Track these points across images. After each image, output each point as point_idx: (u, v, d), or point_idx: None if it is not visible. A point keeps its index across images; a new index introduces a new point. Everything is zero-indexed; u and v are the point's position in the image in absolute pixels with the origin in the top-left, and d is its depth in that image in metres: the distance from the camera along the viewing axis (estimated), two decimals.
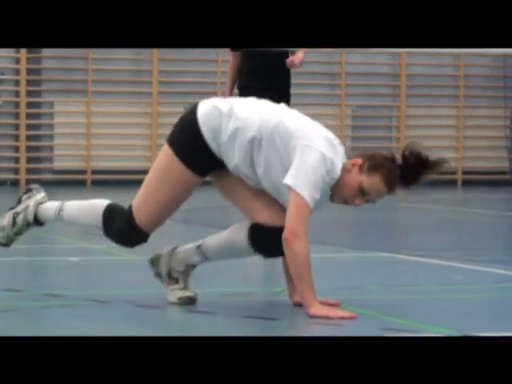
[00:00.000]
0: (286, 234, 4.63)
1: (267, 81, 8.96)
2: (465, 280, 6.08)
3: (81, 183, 17.10)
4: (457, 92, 18.82)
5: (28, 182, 16.05)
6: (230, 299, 5.17)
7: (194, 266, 4.96)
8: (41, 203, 5.03)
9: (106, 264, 6.58)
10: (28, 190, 5.12)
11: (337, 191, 4.77)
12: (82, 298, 4.80)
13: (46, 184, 16.23)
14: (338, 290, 5.08)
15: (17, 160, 16.91)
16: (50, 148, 17.43)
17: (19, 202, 5.01)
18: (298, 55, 8.69)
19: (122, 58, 16.75)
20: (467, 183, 18.75)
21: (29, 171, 16.90)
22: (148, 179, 4.90)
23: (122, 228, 4.85)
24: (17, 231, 4.99)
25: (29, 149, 17.01)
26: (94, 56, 16.83)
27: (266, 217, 4.87)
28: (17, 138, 16.92)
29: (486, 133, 19.20)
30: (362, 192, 4.68)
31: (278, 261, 5.26)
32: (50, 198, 13.29)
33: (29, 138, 16.99)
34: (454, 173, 18.11)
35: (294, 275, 4.75)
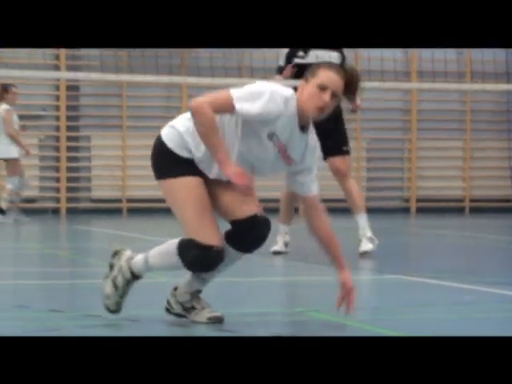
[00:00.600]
0: (192, 105, 4.72)
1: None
2: (473, 300, 6.08)
3: (117, 211, 17.16)
4: (464, 126, 18.85)
5: (68, 210, 17.07)
6: (254, 319, 5.16)
7: (199, 291, 5.00)
8: (131, 259, 5.07)
9: (140, 285, 6.29)
10: (115, 254, 5.14)
11: (305, 107, 4.79)
12: (120, 319, 4.87)
13: (85, 212, 17.26)
14: (358, 311, 5.00)
15: (57, 190, 16.99)
16: (88, 178, 17.58)
17: (111, 267, 5.03)
18: (357, 102, 8.68)
19: (153, 96, 16.94)
20: (474, 210, 18.71)
21: (69, 200, 17.03)
22: (175, 212, 4.94)
23: (195, 254, 4.84)
24: (121, 293, 5.04)
25: (68, 179, 17.11)
26: (127, 93, 17.05)
27: (235, 212, 4.92)
28: (57, 169, 17.06)
29: (492, 163, 19.26)
30: (321, 87, 4.72)
31: (300, 284, 6.48)
32: (89, 224, 12.91)
33: (68, 169, 17.16)
34: (462, 200, 18.54)
35: (203, 142, 4.78)
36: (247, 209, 4.85)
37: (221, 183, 4.99)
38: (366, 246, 9.04)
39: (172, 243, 4.94)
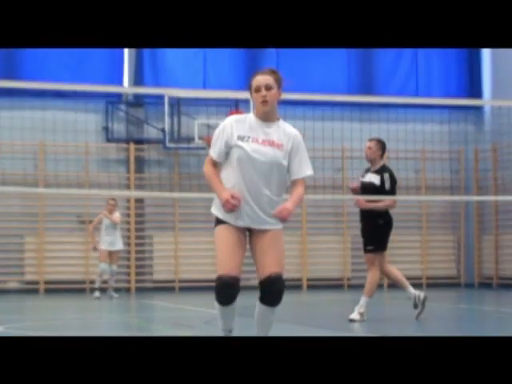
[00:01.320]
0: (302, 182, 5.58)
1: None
2: None
3: (172, 289, 18.74)
4: (420, 224, 20.40)
5: (136, 288, 18.65)
6: None
7: None
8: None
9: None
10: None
11: (256, 109, 5.51)
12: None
13: (149, 290, 18.80)
14: None
15: (128, 274, 18.54)
16: (151, 265, 19.12)
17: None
18: (361, 201, 10.31)
19: (197, 205, 17.97)
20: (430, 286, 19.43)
21: (137, 281, 18.68)
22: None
23: (217, 284, 5.38)
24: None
25: (136, 266, 18.75)
26: (179, 204, 18.78)
27: (259, 274, 5.43)
28: (128, 259, 18.47)
29: (440, 251, 20.65)
30: (256, 90, 5.40)
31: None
32: (152, 299, 15.33)
33: (136, 259, 18.81)
34: (420, 278, 19.32)
35: (209, 185, 5.63)
36: (266, 271, 5.34)
37: (257, 245, 5.53)
38: (355, 316, 9.81)
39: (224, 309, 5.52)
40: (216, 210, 5.46)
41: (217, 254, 5.53)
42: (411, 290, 9.95)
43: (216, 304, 5.40)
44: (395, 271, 10.31)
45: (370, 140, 10.36)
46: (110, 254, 16.20)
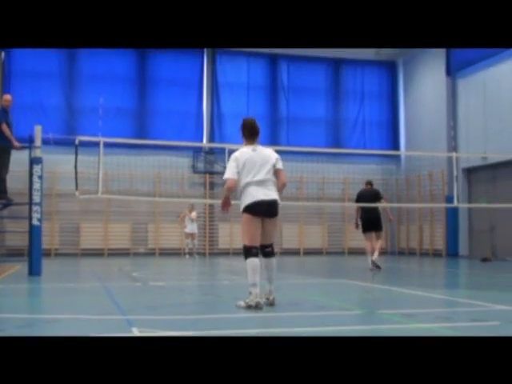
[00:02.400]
0: (284, 180, 7.04)
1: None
2: None
3: (228, 253, 22.99)
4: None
5: (209, 253, 22.40)
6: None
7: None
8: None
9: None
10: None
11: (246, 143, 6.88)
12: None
13: (215, 254, 21.38)
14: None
15: (204, 245, 22.98)
16: (217, 241, 23.76)
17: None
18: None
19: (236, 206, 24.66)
20: None
21: (209, 249, 23.21)
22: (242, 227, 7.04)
23: (246, 248, 6.88)
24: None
25: (209, 241, 23.09)
26: (234, 208, 24.97)
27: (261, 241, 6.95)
28: (205, 237, 23.08)
29: None
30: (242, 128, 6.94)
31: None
32: (217, 259, 21.52)
33: (210, 237, 23.06)
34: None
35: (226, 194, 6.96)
36: (263, 240, 6.96)
37: (264, 224, 6.93)
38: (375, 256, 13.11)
39: (252, 262, 6.86)
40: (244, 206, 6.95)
41: (244, 232, 7.05)
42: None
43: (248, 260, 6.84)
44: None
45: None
46: (192, 234, 20.99)
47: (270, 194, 6.88)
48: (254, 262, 6.70)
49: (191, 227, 20.89)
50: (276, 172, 6.99)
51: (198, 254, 22.02)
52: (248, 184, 6.82)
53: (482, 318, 6.29)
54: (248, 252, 6.76)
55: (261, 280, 6.79)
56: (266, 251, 6.98)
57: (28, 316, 6.50)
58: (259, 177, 6.84)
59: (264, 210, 6.79)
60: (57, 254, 21.71)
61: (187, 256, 20.73)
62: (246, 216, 6.78)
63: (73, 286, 10.32)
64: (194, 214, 20.72)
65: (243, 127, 7.08)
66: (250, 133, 7.01)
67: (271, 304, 6.93)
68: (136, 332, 5.18)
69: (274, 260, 7.01)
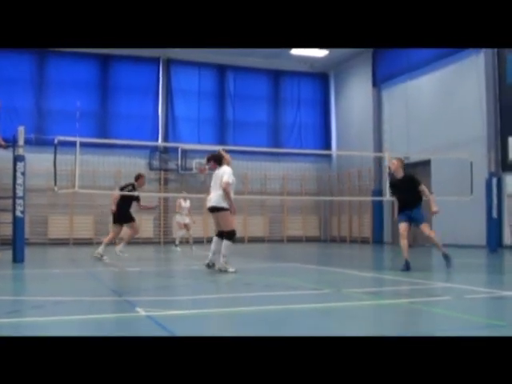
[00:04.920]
0: (224, 187, 8.61)
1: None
2: None
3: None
4: (302, 210, 25.95)
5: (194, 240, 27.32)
6: None
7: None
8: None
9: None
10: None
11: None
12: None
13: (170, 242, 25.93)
14: None
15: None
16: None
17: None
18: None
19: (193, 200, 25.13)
20: (308, 240, 24.87)
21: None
22: (225, 220, 8.79)
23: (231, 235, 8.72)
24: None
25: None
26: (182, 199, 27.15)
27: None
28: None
29: (313, 223, 25.67)
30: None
31: None
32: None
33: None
34: (302, 236, 25.10)
35: (230, 198, 8.54)
36: (224, 227, 8.80)
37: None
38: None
39: (225, 241, 8.70)
40: (225, 204, 8.78)
41: (229, 221, 8.87)
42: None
43: (230, 243, 8.60)
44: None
45: (393, 159, 9.80)
46: (186, 225, 17.89)
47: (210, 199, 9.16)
48: (214, 238, 9.18)
49: (183, 217, 17.90)
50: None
51: (154, 242, 22.25)
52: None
53: (435, 294, 6.57)
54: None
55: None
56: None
57: (34, 298, 6.41)
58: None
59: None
60: (27, 244, 21.05)
61: (178, 248, 17.66)
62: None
63: (59, 272, 10.10)
64: (187, 203, 17.94)
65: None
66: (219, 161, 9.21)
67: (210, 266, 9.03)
68: (142, 312, 5.11)
69: (225, 241, 8.92)
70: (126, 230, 12.77)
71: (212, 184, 8.96)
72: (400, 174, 9.56)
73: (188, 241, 18.02)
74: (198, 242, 22.11)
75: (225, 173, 8.81)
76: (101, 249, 12.31)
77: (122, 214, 12.38)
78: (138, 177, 12.80)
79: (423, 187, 9.45)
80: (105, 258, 12.15)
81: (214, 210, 8.84)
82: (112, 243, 13.25)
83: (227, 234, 8.78)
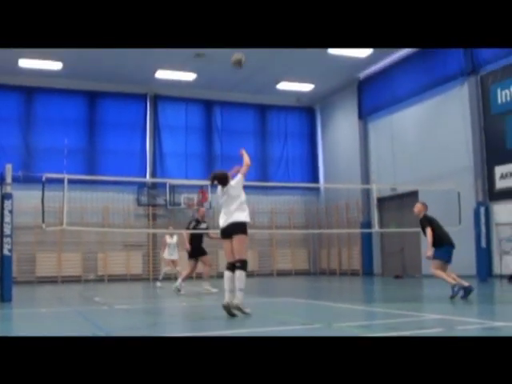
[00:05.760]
0: (244, 167, 8.00)
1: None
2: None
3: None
4: (290, 243, 25.52)
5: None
6: None
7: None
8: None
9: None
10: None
11: None
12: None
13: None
14: None
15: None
16: None
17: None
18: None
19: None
20: (297, 274, 24.66)
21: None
22: (242, 244, 7.55)
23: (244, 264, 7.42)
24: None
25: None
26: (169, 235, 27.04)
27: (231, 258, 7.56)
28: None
29: (302, 256, 25.54)
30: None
31: None
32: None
33: None
34: (291, 270, 24.87)
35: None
36: (234, 257, 7.52)
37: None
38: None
39: (240, 272, 7.38)
40: (247, 218, 7.72)
41: (245, 247, 7.58)
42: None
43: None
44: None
45: (417, 203, 10.58)
46: (173, 261, 17.69)
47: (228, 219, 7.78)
48: (225, 274, 7.61)
49: (171, 252, 17.55)
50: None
51: (143, 279, 22.20)
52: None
53: (426, 326, 6.48)
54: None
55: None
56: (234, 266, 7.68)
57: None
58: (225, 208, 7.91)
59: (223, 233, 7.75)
60: (15, 283, 20.82)
61: (158, 283, 17.21)
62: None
63: (46, 311, 9.93)
64: (173, 240, 17.64)
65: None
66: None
67: (231, 307, 7.40)
68: None
69: (240, 272, 7.44)
70: (200, 267, 13.75)
71: (223, 202, 7.73)
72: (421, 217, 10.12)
73: (176, 277, 17.15)
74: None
75: (236, 180, 7.87)
76: (178, 283, 13.08)
77: (196, 248, 13.21)
78: (197, 209, 14.08)
79: (427, 229, 10.00)
80: (182, 292, 12.97)
81: (234, 228, 7.48)
82: (189, 278, 14.02)
83: (242, 263, 7.39)
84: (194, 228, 13.32)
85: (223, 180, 7.81)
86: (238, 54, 8.64)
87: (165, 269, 17.93)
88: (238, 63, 8.64)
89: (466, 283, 9.56)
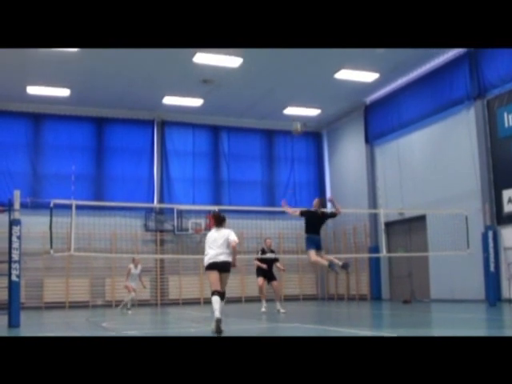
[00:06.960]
0: (234, 245, 9.01)
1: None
2: None
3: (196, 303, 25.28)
4: (299, 268, 25.87)
5: (161, 304, 25.07)
6: None
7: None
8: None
9: None
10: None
11: None
12: None
13: (165, 304, 22.99)
14: None
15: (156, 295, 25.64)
16: (168, 292, 23.67)
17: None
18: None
19: (189, 261, 22.92)
20: (305, 299, 24.50)
21: (161, 299, 25.89)
22: (227, 280, 9.01)
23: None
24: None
25: (161, 293, 24.08)
26: (182, 262, 23.25)
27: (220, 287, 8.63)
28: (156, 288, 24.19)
29: (310, 281, 25.26)
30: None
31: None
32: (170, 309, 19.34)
33: (161, 289, 23.22)
34: (299, 295, 25.00)
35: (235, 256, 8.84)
36: (221, 287, 8.82)
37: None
38: None
39: (215, 298, 8.61)
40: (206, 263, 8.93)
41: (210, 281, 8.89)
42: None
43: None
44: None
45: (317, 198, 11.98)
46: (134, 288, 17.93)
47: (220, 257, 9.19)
48: (214, 298, 8.80)
49: (132, 281, 17.81)
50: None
51: (150, 304, 22.18)
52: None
53: None
54: (212, 293, 9.00)
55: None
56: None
57: None
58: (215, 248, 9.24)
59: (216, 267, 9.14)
60: (23, 308, 20.82)
61: (125, 309, 17.58)
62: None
63: (54, 336, 9.85)
64: (138, 270, 17.75)
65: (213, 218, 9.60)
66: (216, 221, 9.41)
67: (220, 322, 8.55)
68: None
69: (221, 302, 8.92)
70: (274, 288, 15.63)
71: (210, 243, 9.16)
72: None
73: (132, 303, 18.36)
74: (195, 303, 21.83)
75: (231, 233, 9.18)
76: (264, 307, 15.14)
77: (270, 272, 15.67)
78: (264, 240, 16.59)
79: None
80: (263, 309, 14.95)
81: (228, 267, 9.08)
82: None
83: (223, 294, 9.00)
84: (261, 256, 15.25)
85: (220, 221, 9.40)
86: (296, 123, 11.89)
87: (129, 295, 18.01)
88: (296, 131, 11.90)
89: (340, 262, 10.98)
